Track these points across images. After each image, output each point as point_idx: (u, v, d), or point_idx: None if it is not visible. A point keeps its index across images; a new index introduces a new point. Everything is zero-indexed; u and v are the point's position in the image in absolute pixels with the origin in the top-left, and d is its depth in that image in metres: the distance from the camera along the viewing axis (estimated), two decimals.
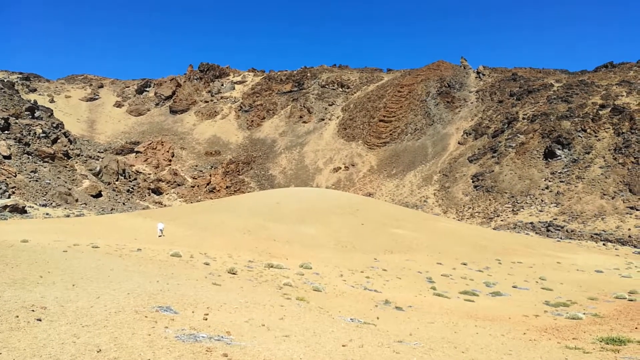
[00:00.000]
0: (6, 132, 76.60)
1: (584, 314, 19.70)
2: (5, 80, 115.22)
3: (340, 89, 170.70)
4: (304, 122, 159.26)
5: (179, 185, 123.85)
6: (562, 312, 20.55)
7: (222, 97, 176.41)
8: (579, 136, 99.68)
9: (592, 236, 72.42)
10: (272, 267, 26.05)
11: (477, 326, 16.18)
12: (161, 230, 36.54)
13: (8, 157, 71.24)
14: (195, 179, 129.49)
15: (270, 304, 14.48)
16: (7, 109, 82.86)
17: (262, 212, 51.08)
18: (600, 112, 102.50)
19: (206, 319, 10.66)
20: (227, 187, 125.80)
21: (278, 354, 8.71)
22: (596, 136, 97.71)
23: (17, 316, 8.80)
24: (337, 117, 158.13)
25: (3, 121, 76.61)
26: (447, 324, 15.96)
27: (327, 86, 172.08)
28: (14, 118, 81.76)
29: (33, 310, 9.30)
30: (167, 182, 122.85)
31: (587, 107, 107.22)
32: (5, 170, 66.94)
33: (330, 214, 53.59)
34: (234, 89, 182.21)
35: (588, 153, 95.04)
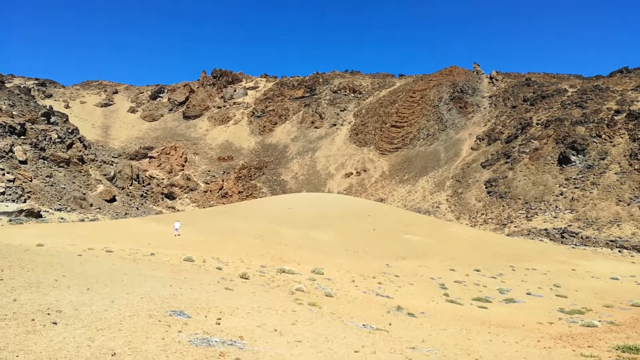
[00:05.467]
0: (22, 137, 77.70)
1: (600, 321, 19.44)
2: (22, 86, 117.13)
3: (352, 95, 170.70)
4: (316, 127, 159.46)
5: (191, 190, 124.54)
6: (577, 319, 20.30)
7: (234, 103, 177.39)
8: (594, 142, 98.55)
9: (607, 243, 71.40)
10: (284, 272, 26.06)
11: (491, 333, 16.04)
12: (177, 229, 36.91)
13: (24, 162, 72.23)
14: (208, 184, 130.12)
15: (282, 309, 14.49)
16: (23, 115, 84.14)
17: (274, 218, 51.19)
18: (616, 118, 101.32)
19: (219, 324, 10.70)
20: (239, 192, 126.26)
21: None
22: (611, 142, 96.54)
23: (33, 319, 8.92)
24: (349, 123, 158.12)
25: (19, 126, 77.76)
26: (460, 331, 15.84)
27: (339, 92, 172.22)
28: (30, 123, 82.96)
29: (49, 314, 9.41)
30: (180, 187, 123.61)
31: (602, 113, 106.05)
32: (22, 175, 67.88)
33: (342, 220, 53.53)
34: (246, 94, 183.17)
35: (603, 159, 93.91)
